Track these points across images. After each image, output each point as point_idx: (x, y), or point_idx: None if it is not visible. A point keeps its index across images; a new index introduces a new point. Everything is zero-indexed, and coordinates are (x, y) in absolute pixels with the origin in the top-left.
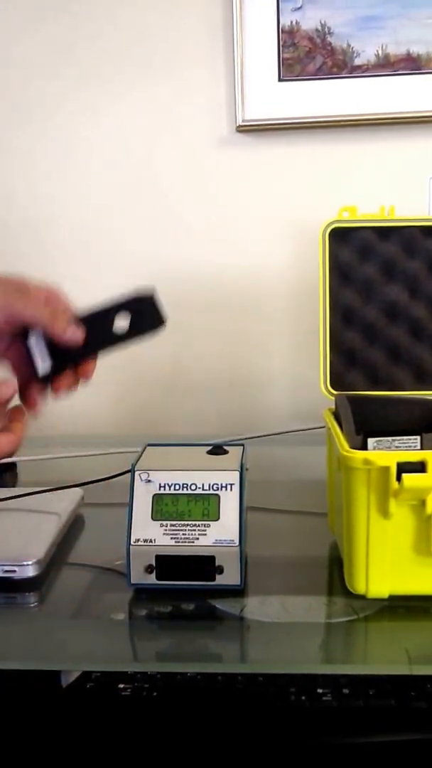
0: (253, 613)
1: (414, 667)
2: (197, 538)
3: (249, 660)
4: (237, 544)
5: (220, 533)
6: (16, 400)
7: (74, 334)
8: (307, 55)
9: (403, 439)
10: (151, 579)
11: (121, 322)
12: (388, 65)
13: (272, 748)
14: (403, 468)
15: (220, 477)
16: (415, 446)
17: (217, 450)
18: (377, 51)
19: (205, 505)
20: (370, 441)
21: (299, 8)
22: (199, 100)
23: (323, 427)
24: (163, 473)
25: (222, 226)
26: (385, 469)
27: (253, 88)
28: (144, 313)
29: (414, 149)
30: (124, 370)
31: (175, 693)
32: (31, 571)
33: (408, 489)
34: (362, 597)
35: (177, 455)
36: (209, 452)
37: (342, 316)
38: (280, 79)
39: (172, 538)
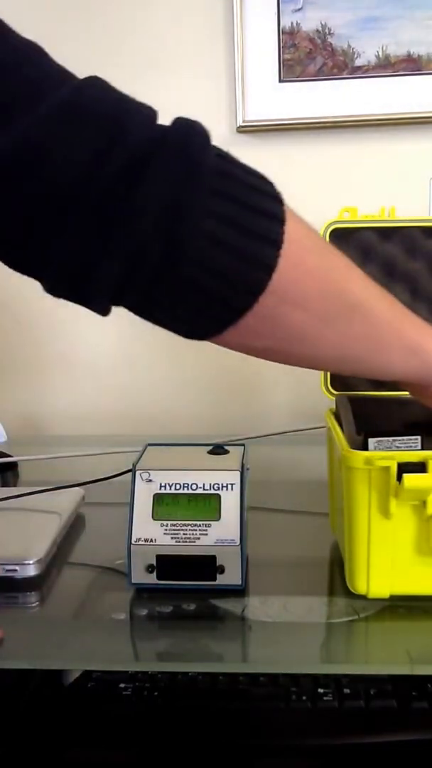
0: (254, 613)
1: (415, 667)
2: (198, 538)
3: (250, 660)
4: (238, 543)
5: (221, 533)
6: None
7: None
8: (307, 56)
9: (403, 440)
10: (152, 578)
11: None
12: (389, 66)
13: (273, 748)
14: (404, 468)
15: (221, 477)
16: (415, 446)
17: (218, 450)
18: (378, 52)
19: (206, 505)
20: (371, 441)
21: (300, 9)
22: (200, 100)
23: (324, 427)
24: (163, 473)
25: None
26: (386, 470)
27: (253, 89)
28: None
29: (415, 150)
30: (124, 370)
31: (176, 693)
32: (32, 571)
33: (409, 489)
34: (363, 597)
35: (178, 455)
36: (210, 452)
37: None
38: (280, 80)
39: (172, 538)
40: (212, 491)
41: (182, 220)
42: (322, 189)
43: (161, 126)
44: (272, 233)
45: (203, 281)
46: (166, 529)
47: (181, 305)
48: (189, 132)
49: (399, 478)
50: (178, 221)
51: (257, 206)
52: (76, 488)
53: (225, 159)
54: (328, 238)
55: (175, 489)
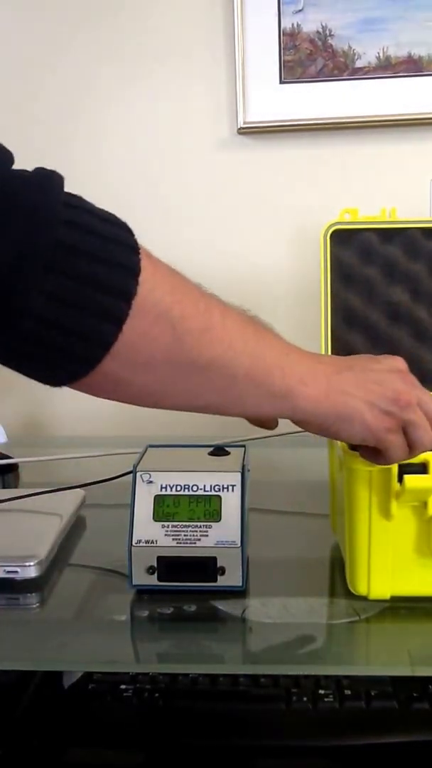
0: (255, 615)
1: (416, 668)
2: (199, 539)
3: (251, 661)
4: (239, 545)
5: (222, 534)
6: None
7: None
8: (308, 58)
9: None
10: (153, 580)
11: None
12: (389, 67)
13: (274, 748)
14: (405, 469)
15: (221, 478)
16: None
17: (219, 451)
18: (378, 53)
19: (207, 506)
20: None
21: (300, 11)
22: (201, 102)
23: None
24: (164, 474)
25: (223, 227)
26: (387, 471)
27: (254, 90)
28: None
29: (415, 151)
30: None
31: (177, 694)
32: (33, 572)
33: (409, 490)
34: (364, 598)
35: (178, 456)
36: (211, 453)
37: (344, 318)
38: (281, 82)
39: (173, 539)
40: (213, 492)
41: (22, 277)
42: (323, 190)
43: (15, 174)
44: (116, 309)
45: (42, 340)
46: (167, 531)
47: (20, 359)
48: (42, 186)
49: (400, 479)
50: (20, 277)
51: (104, 280)
52: (77, 489)
53: (76, 209)
54: (329, 240)
55: (176, 490)
